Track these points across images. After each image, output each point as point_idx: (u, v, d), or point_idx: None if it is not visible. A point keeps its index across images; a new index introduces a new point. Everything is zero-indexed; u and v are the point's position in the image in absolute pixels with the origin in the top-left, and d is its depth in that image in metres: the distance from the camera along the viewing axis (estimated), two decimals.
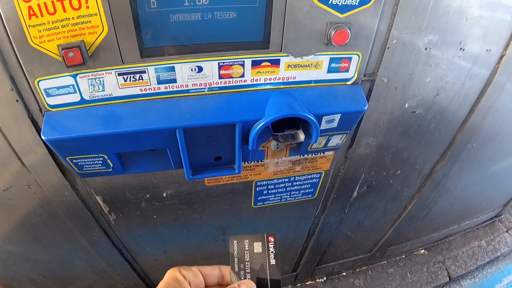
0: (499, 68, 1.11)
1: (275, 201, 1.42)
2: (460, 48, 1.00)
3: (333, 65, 0.89)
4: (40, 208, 1.15)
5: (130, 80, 0.81)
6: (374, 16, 0.83)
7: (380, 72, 0.97)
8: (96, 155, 0.89)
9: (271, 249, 0.68)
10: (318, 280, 2.37)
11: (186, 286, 0.57)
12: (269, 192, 1.35)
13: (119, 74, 0.80)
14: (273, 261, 0.66)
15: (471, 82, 1.13)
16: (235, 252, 0.67)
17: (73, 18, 0.69)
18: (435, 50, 0.98)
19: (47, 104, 0.82)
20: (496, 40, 1.02)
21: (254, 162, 1.18)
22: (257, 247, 0.68)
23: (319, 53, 0.86)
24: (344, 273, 2.41)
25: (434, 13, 0.89)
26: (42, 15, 0.67)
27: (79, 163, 0.91)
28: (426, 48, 0.97)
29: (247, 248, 0.67)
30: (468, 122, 1.30)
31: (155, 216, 1.34)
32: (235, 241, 0.68)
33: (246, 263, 0.66)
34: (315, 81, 0.92)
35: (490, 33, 0.99)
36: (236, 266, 0.65)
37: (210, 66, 0.83)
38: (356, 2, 0.79)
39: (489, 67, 1.11)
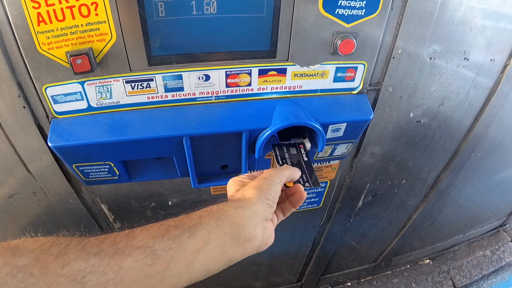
0: (503, 78, 1.11)
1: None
2: (465, 58, 1.00)
3: (339, 74, 0.90)
4: (44, 215, 1.15)
5: (137, 88, 0.82)
6: (380, 26, 0.84)
7: (386, 81, 0.98)
8: (103, 162, 0.89)
9: (303, 151, 0.91)
10: None
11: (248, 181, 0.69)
12: None
13: (127, 82, 0.80)
14: (305, 158, 0.89)
15: (475, 91, 1.13)
16: (277, 153, 0.90)
17: (82, 25, 0.70)
18: (439, 60, 0.98)
19: (54, 111, 0.82)
20: (500, 50, 1.03)
21: (260, 171, 1.17)
22: (293, 150, 0.91)
23: (325, 63, 0.87)
24: (349, 283, 2.39)
25: (439, 23, 0.89)
26: (51, 22, 0.68)
27: (85, 171, 0.91)
28: (430, 58, 0.97)
29: (285, 151, 0.90)
30: (473, 131, 1.30)
31: None
32: (276, 147, 0.91)
33: (287, 159, 0.88)
34: (321, 90, 0.92)
35: (494, 43, 1.00)
36: (280, 161, 0.87)
37: (218, 75, 0.84)
38: (362, 12, 0.80)
39: (493, 77, 1.11)
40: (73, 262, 0.43)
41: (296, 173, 0.75)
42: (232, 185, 0.70)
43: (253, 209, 0.59)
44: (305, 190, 0.73)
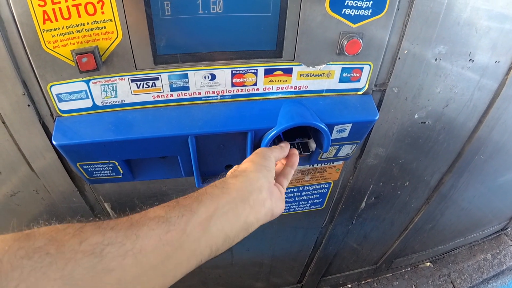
0: (508, 80, 1.11)
1: (283, 211, 1.40)
2: (470, 59, 1.00)
3: (344, 74, 0.90)
4: (47, 214, 1.14)
5: (143, 87, 0.82)
6: (386, 26, 0.84)
7: (391, 82, 0.97)
8: (107, 161, 0.88)
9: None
10: None
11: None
12: None
13: (132, 81, 0.80)
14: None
15: (480, 93, 1.13)
16: None
17: (87, 23, 0.69)
18: (445, 61, 0.98)
19: (59, 109, 0.82)
20: (505, 52, 1.02)
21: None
22: None
23: (331, 63, 0.87)
24: (350, 285, 2.38)
25: (445, 24, 0.89)
26: (56, 20, 0.67)
27: (89, 169, 0.90)
28: (436, 59, 0.97)
29: None
30: (477, 134, 1.30)
31: None
32: None
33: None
34: (327, 91, 0.92)
35: (499, 45, 0.99)
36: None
37: (223, 74, 0.83)
38: (368, 12, 0.79)
39: (497, 79, 1.11)
40: (91, 237, 0.43)
41: (285, 149, 0.80)
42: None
43: (251, 175, 0.63)
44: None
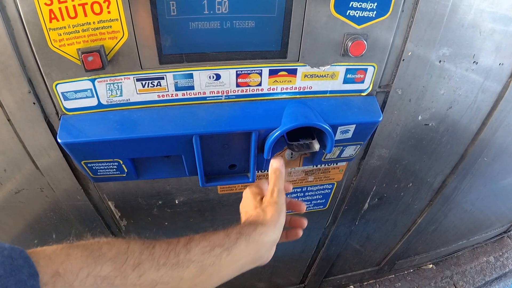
0: (511, 82, 1.10)
1: (286, 212, 1.39)
2: (474, 61, 1.00)
3: (349, 75, 0.90)
4: (51, 211, 1.15)
5: (148, 86, 0.82)
6: (390, 28, 0.84)
7: (395, 83, 0.97)
8: (111, 159, 0.89)
9: None
10: None
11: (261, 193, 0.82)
12: None
13: (138, 80, 0.80)
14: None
15: (484, 95, 1.13)
16: None
17: (93, 22, 0.70)
18: (449, 63, 0.98)
19: (64, 107, 0.83)
20: (509, 54, 1.02)
21: (267, 171, 1.17)
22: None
23: (335, 64, 0.87)
24: (352, 286, 2.38)
25: (449, 26, 0.89)
26: (63, 19, 0.68)
27: (93, 168, 0.91)
28: (440, 61, 0.97)
29: None
30: (480, 136, 1.29)
31: (166, 223, 1.34)
32: None
33: None
34: (331, 92, 0.92)
35: (503, 47, 0.99)
36: None
37: (228, 74, 0.84)
38: (373, 14, 0.80)
39: (501, 81, 1.11)
40: (148, 271, 0.54)
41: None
42: (248, 197, 0.81)
43: (270, 235, 0.70)
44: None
